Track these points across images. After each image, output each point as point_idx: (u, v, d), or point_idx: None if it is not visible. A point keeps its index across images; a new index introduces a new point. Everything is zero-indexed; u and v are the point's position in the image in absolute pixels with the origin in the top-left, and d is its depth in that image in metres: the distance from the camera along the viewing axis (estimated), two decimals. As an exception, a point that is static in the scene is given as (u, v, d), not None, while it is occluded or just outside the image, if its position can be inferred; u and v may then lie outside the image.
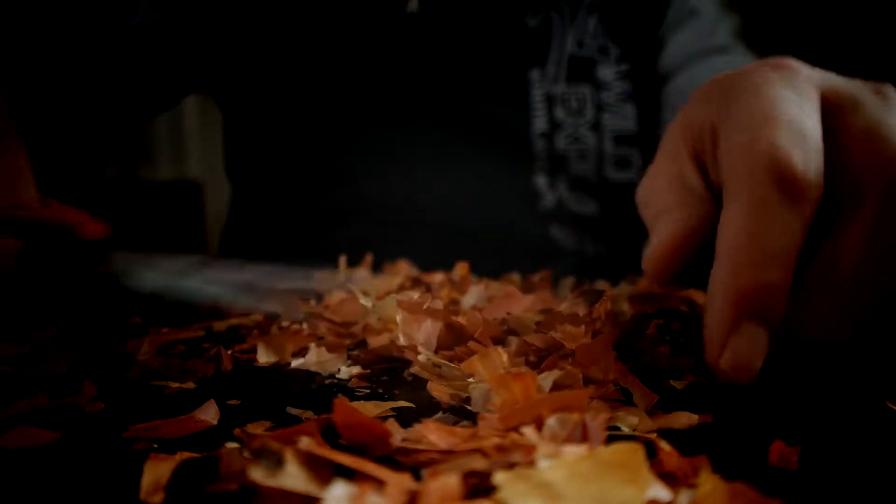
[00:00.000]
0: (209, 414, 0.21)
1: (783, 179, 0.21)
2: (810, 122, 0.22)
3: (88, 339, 0.31)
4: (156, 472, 0.17)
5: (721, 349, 0.21)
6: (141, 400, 0.24)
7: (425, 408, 0.22)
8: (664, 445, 0.17)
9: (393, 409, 0.22)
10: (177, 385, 0.25)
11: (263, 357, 0.28)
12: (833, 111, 0.23)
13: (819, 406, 0.22)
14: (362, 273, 0.45)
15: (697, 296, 0.40)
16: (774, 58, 0.25)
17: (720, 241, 0.22)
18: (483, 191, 0.57)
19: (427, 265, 0.46)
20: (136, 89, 0.53)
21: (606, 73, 0.57)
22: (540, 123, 0.57)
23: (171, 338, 0.31)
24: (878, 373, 0.24)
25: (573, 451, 0.15)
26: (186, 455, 0.18)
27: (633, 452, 0.14)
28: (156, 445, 0.19)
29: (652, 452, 0.16)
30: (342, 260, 0.45)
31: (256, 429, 0.20)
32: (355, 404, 0.22)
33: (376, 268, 0.46)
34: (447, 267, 0.44)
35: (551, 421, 0.17)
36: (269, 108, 0.60)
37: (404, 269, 0.46)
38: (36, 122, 0.40)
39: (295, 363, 0.27)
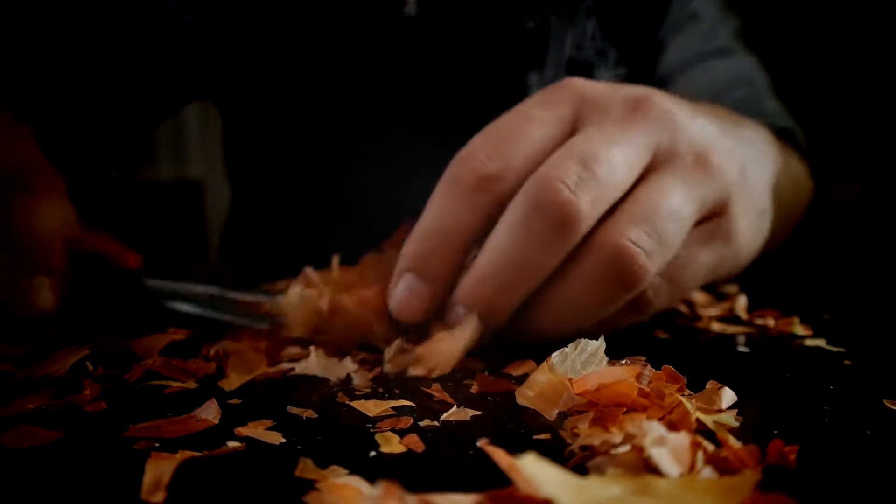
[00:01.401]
0: (210, 413, 0.21)
1: (455, 175, 0.27)
2: (528, 137, 0.27)
3: (89, 339, 0.31)
4: (157, 472, 0.17)
5: (393, 288, 0.28)
6: (142, 399, 0.24)
7: (425, 408, 0.23)
8: (731, 440, 0.18)
9: (393, 409, 0.22)
10: (177, 385, 0.25)
11: (234, 380, 0.26)
12: (577, 124, 0.28)
13: (818, 406, 0.22)
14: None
15: (699, 296, 0.40)
16: (562, 80, 0.30)
17: None
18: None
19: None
20: (142, 95, 0.53)
21: (605, 76, 0.57)
22: None
23: (173, 338, 0.31)
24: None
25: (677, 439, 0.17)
26: (188, 454, 0.18)
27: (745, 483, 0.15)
28: (157, 445, 0.19)
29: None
30: (335, 260, 0.45)
31: (257, 428, 0.20)
32: (356, 404, 0.23)
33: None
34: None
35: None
36: (268, 111, 0.60)
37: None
38: (42, 124, 0.40)
39: (298, 369, 0.27)
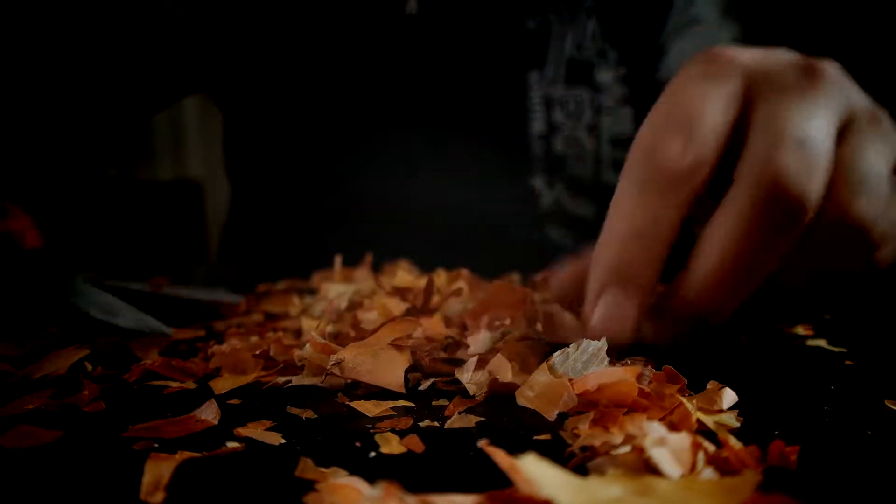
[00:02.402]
0: (210, 414, 0.21)
1: (649, 172, 0.24)
2: (711, 116, 0.25)
3: (90, 339, 0.31)
4: (156, 472, 0.17)
5: (592, 309, 0.25)
6: (141, 400, 0.24)
7: (425, 407, 0.23)
8: (731, 440, 0.18)
9: (393, 409, 0.22)
10: (177, 385, 0.25)
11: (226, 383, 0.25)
12: (752, 98, 0.25)
13: (819, 406, 0.22)
14: (362, 273, 0.45)
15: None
16: (710, 50, 0.27)
17: None
18: (481, 191, 0.57)
19: (427, 265, 0.46)
20: (135, 83, 0.53)
21: (605, 76, 0.57)
22: (538, 125, 0.57)
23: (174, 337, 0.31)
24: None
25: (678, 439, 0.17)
26: (187, 455, 0.18)
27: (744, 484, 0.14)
28: (156, 445, 0.19)
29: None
30: (338, 260, 0.45)
31: (256, 429, 0.20)
32: (356, 404, 0.23)
33: (376, 268, 0.46)
34: (447, 266, 0.44)
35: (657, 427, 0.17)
36: (268, 110, 0.60)
37: (403, 268, 0.46)
38: (24, 119, 0.40)
39: (295, 381, 0.26)
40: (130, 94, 0.53)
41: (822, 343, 0.31)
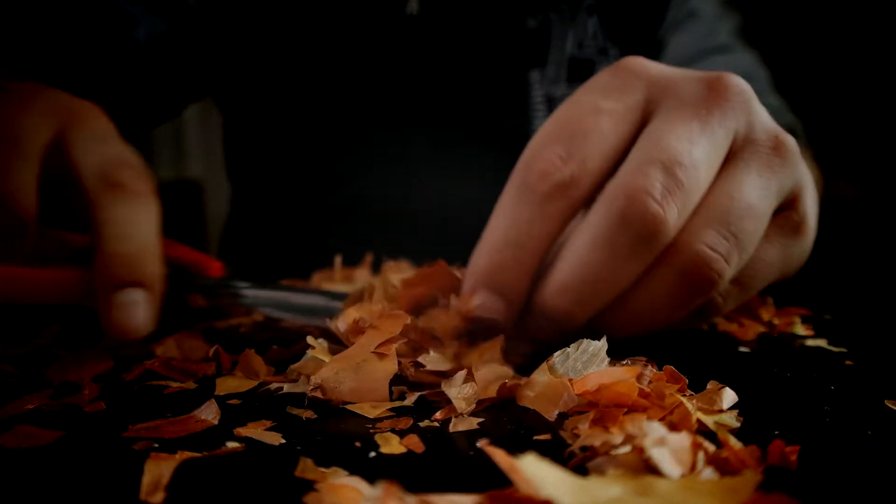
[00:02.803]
0: (210, 414, 0.21)
1: (527, 181, 0.25)
2: (599, 131, 0.25)
3: (93, 341, 0.31)
4: (156, 472, 0.17)
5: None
6: (141, 400, 0.24)
7: (425, 407, 0.22)
8: (732, 440, 0.18)
9: (391, 410, 0.22)
10: (177, 385, 0.25)
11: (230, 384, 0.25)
12: (649, 112, 0.26)
13: (819, 406, 0.22)
14: (362, 273, 0.45)
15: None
16: (621, 60, 0.28)
17: None
18: (483, 191, 0.57)
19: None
20: (139, 100, 0.53)
21: None
22: (540, 124, 0.57)
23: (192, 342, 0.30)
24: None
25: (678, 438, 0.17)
26: (187, 455, 0.18)
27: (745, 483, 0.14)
28: (156, 445, 0.19)
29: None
30: (338, 260, 0.45)
31: (256, 429, 0.20)
32: (355, 407, 0.22)
33: (376, 268, 0.46)
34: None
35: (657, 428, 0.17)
36: (269, 109, 0.60)
37: (404, 269, 0.46)
38: None
39: (287, 388, 0.25)
40: (139, 100, 0.53)
41: (822, 343, 0.31)
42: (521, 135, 0.60)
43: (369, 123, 0.57)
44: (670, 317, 0.26)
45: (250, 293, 0.31)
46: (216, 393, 0.24)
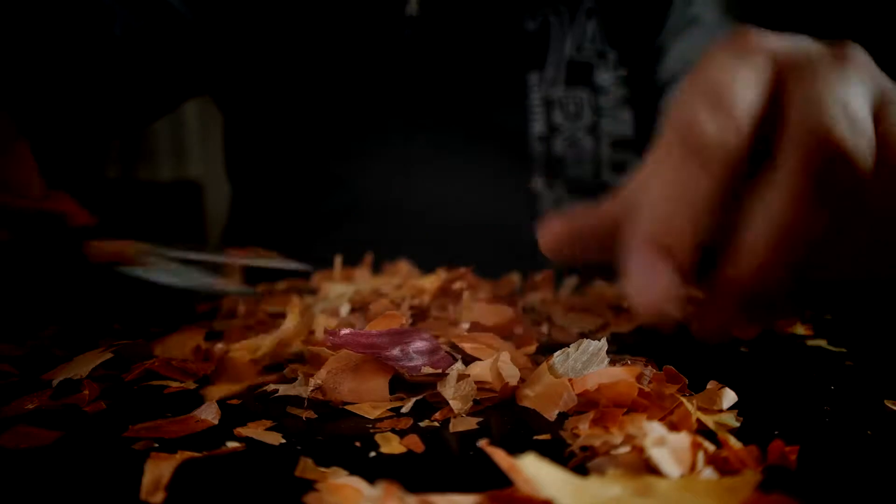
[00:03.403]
0: (210, 414, 0.21)
1: (696, 142, 0.23)
2: (744, 92, 0.24)
3: (93, 340, 0.31)
4: (156, 472, 0.17)
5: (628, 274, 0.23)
6: (141, 399, 0.24)
7: (424, 408, 0.22)
8: (731, 440, 0.18)
9: (391, 410, 0.22)
10: (177, 385, 0.25)
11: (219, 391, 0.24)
12: (784, 79, 0.25)
13: (819, 406, 0.22)
14: (362, 273, 0.45)
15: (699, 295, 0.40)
16: (737, 31, 0.26)
17: None
18: (482, 192, 0.57)
19: (427, 265, 0.46)
20: (132, 95, 0.53)
21: (604, 77, 0.57)
22: (538, 126, 0.57)
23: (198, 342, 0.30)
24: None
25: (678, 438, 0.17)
26: (187, 455, 0.18)
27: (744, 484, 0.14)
28: (156, 445, 0.19)
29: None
30: (338, 260, 0.45)
31: (256, 429, 0.20)
32: (354, 407, 0.22)
33: (376, 268, 0.46)
34: (447, 266, 0.44)
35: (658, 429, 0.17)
36: (269, 110, 0.60)
37: (404, 269, 0.46)
38: (32, 120, 0.40)
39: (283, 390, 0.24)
40: (137, 98, 0.53)
41: (822, 343, 0.31)
42: (519, 136, 0.60)
43: (369, 124, 0.57)
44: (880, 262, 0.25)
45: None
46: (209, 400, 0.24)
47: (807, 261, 0.23)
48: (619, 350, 0.24)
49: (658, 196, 0.24)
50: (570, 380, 0.22)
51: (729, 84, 0.24)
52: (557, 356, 0.22)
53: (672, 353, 0.28)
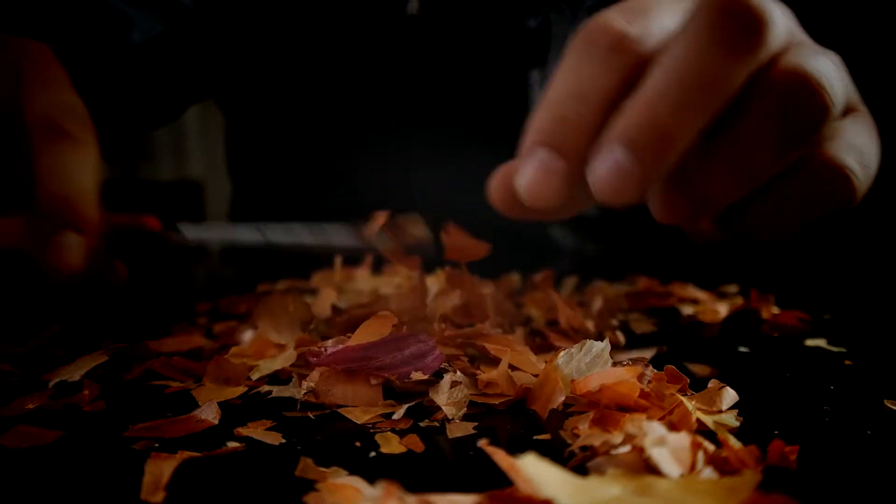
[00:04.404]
0: (210, 413, 0.21)
1: (590, 37, 0.23)
2: (656, 13, 0.24)
3: (93, 340, 0.31)
4: (157, 472, 0.17)
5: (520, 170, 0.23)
6: (142, 399, 0.24)
7: (421, 410, 0.22)
8: (731, 440, 0.18)
9: (382, 416, 0.22)
10: (177, 385, 0.25)
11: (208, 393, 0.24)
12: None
13: (819, 406, 0.22)
14: (362, 273, 0.45)
15: (699, 295, 0.40)
16: None
17: None
18: (483, 191, 0.57)
19: (427, 265, 0.46)
20: (139, 102, 0.53)
21: None
22: None
23: (173, 348, 0.30)
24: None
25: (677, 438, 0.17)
26: (187, 454, 0.18)
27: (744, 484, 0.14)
28: (157, 445, 0.19)
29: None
30: (338, 260, 0.45)
31: (257, 428, 0.20)
32: (346, 411, 0.22)
33: (376, 268, 0.47)
34: (448, 266, 0.44)
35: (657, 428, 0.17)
36: (270, 109, 0.60)
37: (404, 269, 0.46)
38: None
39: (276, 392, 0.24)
40: (146, 103, 0.53)
41: (821, 343, 0.31)
42: (521, 135, 0.60)
43: (370, 123, 0.57)
44: (808, 218, 0.25)
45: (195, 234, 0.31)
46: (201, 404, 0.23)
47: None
48: (620, 350, 0.24)
49: (553, 92, 0.23)
50: (572, 380, 0.22)
51: (649, 4, 0.24)
52: (562, 357, 0.22)
53: (672, 352, 0.28)
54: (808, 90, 0.23)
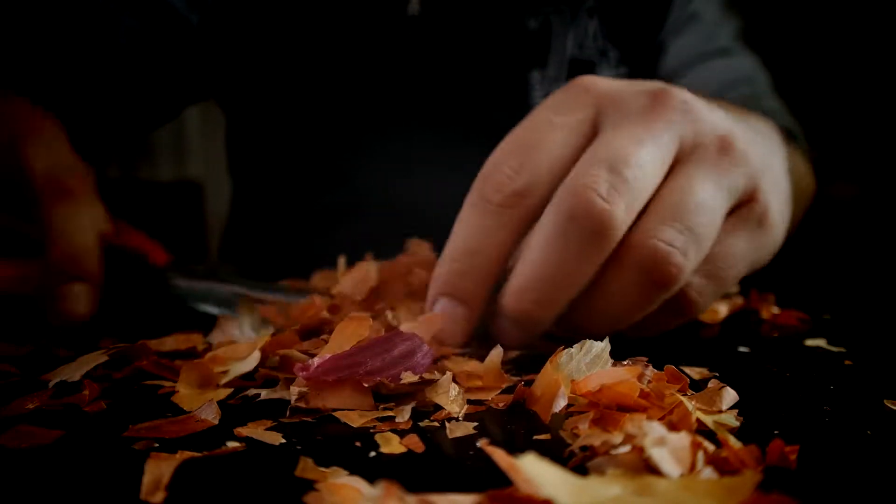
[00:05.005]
0: (210, 413, 0.21)
1: (483, 193, 0.27)
2: (550, 145, 0.27)
3: (93, 340, 0.31)
4: (157, 472, 0.17)
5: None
6: (142, 399, 0.24)
7: (424, 408, 0.22)
8: (731, 440, 0.18)
9: (377, 420, 0.22)
10: (170, 385, 0.25)
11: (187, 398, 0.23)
12: (598, 126, 0.27)
13: (818, 406, 0.22)
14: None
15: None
16: (574, 79, 0.29)
17: None
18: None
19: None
20: (135, 101, 0.53)
21: (606, 75, 0.57)
22: None
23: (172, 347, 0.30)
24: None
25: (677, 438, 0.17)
26: (187, 455, 0.18)
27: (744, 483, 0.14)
28: (157, 445, 0.19)
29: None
30: (341, 261, 0.45)
31: (257, 428, 0.20)
32: (340, 414, 0.22)
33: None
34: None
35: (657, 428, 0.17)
36: (271, 109, 0.60)
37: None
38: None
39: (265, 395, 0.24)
40: (141, 104, 0.53)
41: (821, 343, 0.31)
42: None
43: (371, 123, 0.57)
44: (636, 313, 0.26)
45: (183, 284, 0.33)
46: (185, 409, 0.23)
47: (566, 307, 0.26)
48: (622, 350, 0.24)
49: (452, 246, 0.27)
50: (572, 380, 0.22)
51: (536, 135, 0.27)
52: (562, 357, 0.22)
53: (672, 352, 0.28)
54: (657, 267, 0.25)
